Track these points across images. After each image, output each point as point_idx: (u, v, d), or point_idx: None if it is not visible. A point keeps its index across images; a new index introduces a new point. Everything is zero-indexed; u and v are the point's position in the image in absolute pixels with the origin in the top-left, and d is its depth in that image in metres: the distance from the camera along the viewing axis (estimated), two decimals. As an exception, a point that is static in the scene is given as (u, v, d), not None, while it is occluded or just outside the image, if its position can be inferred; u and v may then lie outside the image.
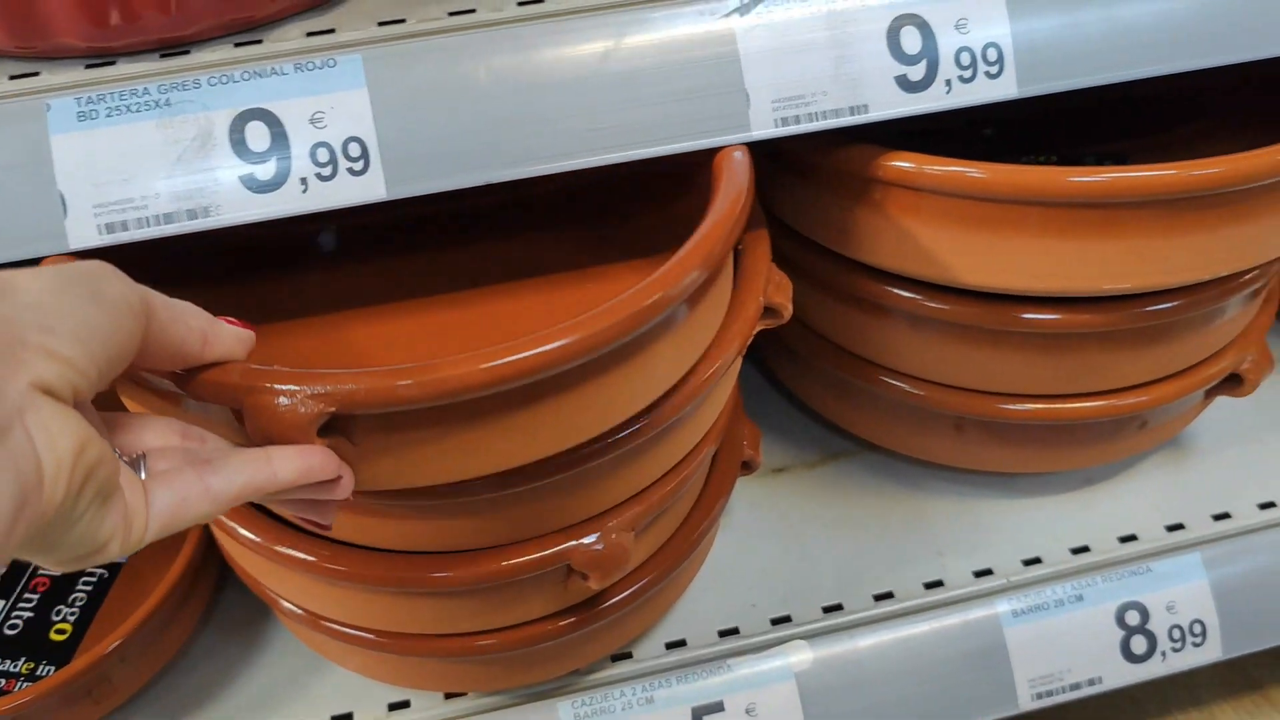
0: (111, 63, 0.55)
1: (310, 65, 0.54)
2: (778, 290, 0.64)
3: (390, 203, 0.56)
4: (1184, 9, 0.61)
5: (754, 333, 0.63)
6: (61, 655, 0.72)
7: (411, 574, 0.60)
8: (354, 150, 0.54)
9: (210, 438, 0.46)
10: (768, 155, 0.72)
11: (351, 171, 0.55)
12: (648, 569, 0.67)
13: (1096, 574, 0.77)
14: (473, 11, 0.58)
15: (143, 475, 0.42)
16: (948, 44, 0.59)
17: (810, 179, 0.71)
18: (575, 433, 0.54)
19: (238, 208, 0.54)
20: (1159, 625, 0.76)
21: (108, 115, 0.53)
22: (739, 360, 0.65)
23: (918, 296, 0.72)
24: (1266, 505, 0.82)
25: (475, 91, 0.55)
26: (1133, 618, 0.76)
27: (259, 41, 0.56)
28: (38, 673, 0.71)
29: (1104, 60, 0.61)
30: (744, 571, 0.79)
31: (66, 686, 0.66)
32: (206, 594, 0.77)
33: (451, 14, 0.57)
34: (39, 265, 0.51)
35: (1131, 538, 0.80)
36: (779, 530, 0.82)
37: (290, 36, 0.56)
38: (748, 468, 0.75)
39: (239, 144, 0.54)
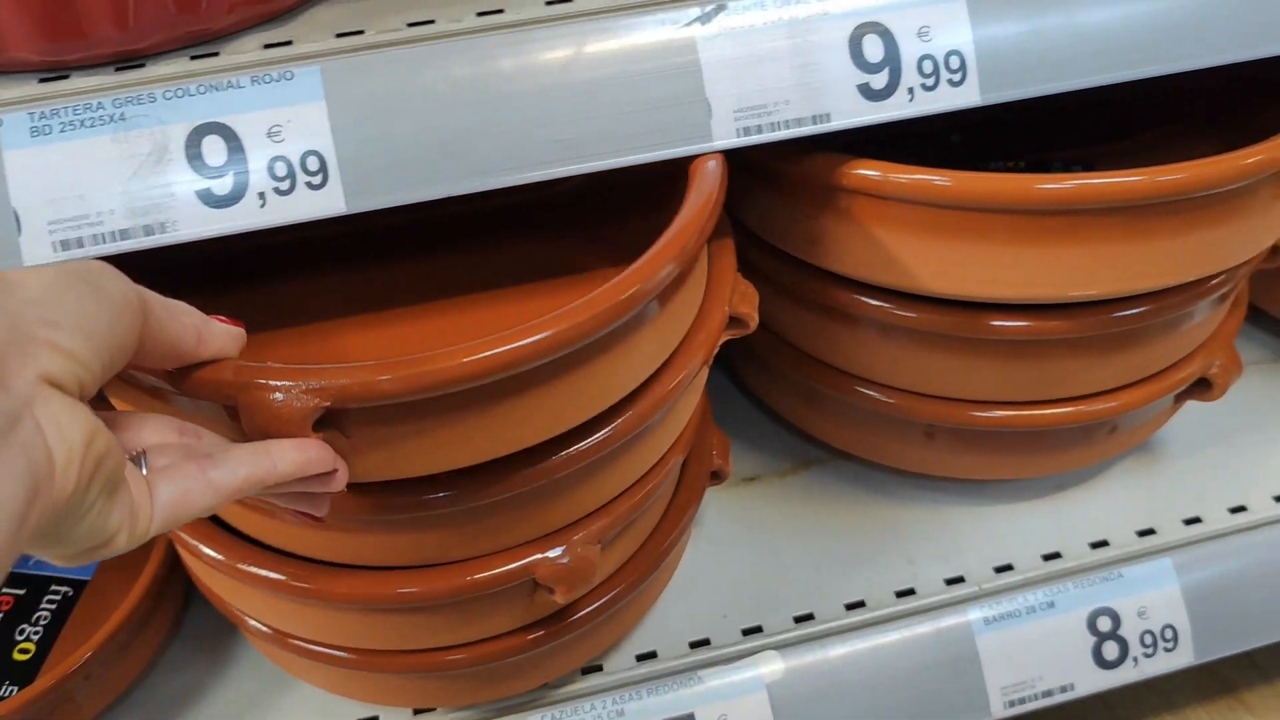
0: (65, 76, 0.54)
1: (267, 78, 0.54)
2: (743, 300, 0.64)
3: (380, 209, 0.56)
4: (1146, 16, 0.61)
5: (719, 343, 0.63)
6: (25, 675, 0.71)
7: (376, 590, 0.59)
8: (312, 164, 0.54)
9: (206, 434, 0.47)
10: (736, 164, 0.72)
11: (310, 185, 0.54)
12: (616, 581, 0.67)
13: (1068, 580, 0.77)
14: (432, 22, 0.57)
15: (144, 471, 0.43)
16: (910, 52, 0.59)
17: (777, 188, 0.71)
18: (559, 422, 0.55)
19: (195, 223, 0.53)
20: (1130, 631, 0.76)
21: (62, 130, 0.52)
22: (705, 370, 0.65)
23: (886, 305, 0.72)
24: (1237, 509, 0.82)
25: (435, 103, 0.55)
26: (1104, 624, 0.76)
27: (215, 54, 0.56)
28: (1, 693, 0.70)
29: (1067, 67, 0.61)
30: (715, 582, 0.78)
31: (30, 706, 0.66)
32: (172, 610, 0.76)
33: (411, 25, 0.57)
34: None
35: (1103, 543, 0.80)
36: (750, 539, 0.82)
37: (247, 49, 0.56)
38: (717, 477, 0.75)
39: (195, 159, 0.53)
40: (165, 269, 0.65)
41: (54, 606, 0.75)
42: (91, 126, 0.53)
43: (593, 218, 0.75)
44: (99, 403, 0.45)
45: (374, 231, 0.76)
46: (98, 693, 0.70)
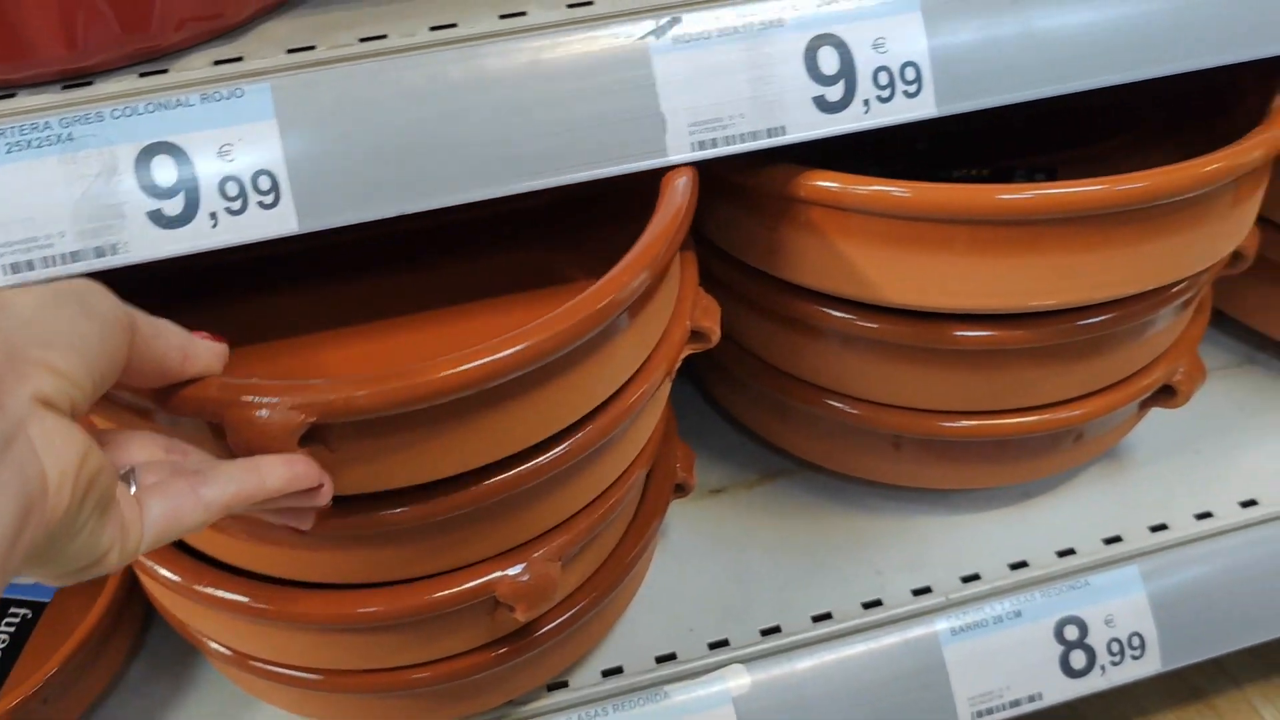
0: (11, 95, 0.54)
1: (217, 95, 0.53)
2: (705, 314, 0.64)
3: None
4: (1102, 26, 0.61)
5: (681, 357, 0.63)
6: (-17, 698, 0.70)
7: (336, 610, 0.59)
8: (264, 183, 0.53)
9: (193, 450, 0.48)
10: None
11: (262, 205, 0.54)
12: (580, 596, 0.67)
13: (1035, 589, 0.76)
14: (384, 37, 0.57)
15: (134, 489, 0.43)
16: (865, 64, 0.59)
17: (737, 200, 0.71)
18: (542, 429, 0.56)
19: (147, 245, 0.53)
20: (1098, 639, 0.76)
21: (8, 151, 0.52)
22: (667, 384, 0.65)
23: (850, 316, 0.71)
24: (1203, 515, 0.82)
25: (388, 120, 0.55)
26: (1071, 632, 0.76)
27: (164, 70, 0.55)
28: (-42, 717, 0.69)
29: (1022, 78, 0.61)
30: (681, 595, 0.78)
31: (-13, 731, 0.65)
32: (132, 630, 0.75)
33: (363, 40, 0.57)
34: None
35: (1070, 551, 0.80)
36: (717, 552, 0.81)
37: (196, 65, 0.55)
38: (682, 490, 0.74)
39: (145, 179, 0.52)
40: (145, 284, 0.65)
41: (12, 629, 0.75)
42: (39, 147, 0.52)
43: (572, 227, 0.75)
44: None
45: (351, 244, 0.75)
46: (57, 715, 0.69)
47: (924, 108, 0.60)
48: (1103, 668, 0.76)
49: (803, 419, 0.81)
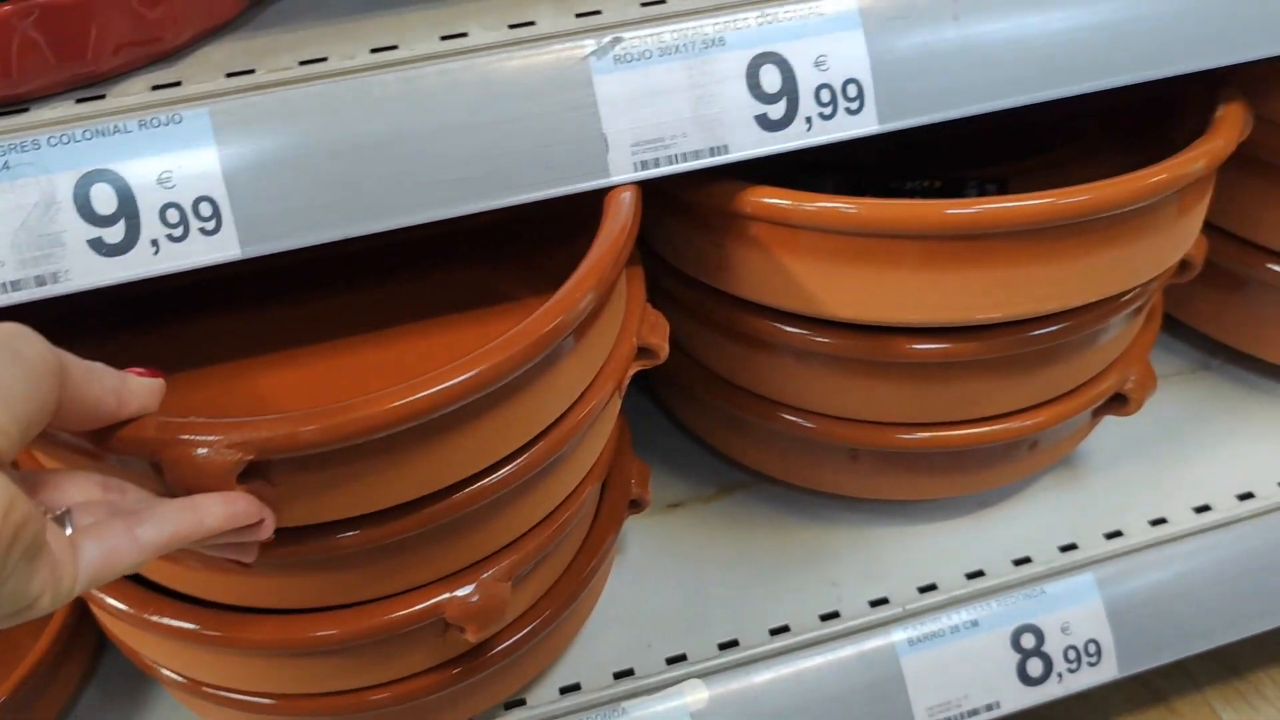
0: (-54, 123, 0.53)
1: (155, 121, 0.53)
2: (653, 331, 0.64)
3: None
4: (1042, 41, 0.62)
5: (628, 373, 0.63)
6: (-67, 728, 0.70)
7: (286, 635, 0.58)
8: (205, 210, 0.53)
9: (131, 489, 0.47)
10: (647, 192, 0.72)
11: (204, 231, 0.53)
12: (533, 615, 0.66)
13: (991, 598, 0.77)
14: (325, 60, 0.57)
15: (69, 530, 0.43)
16: (807, 81, 0.59)
17: (687, 216, 0.71)
18: (487, 455, 0.56)
19: (88, 273, 0.53)
20: (1054, 647, 0.76)
21: (-56, 179, 0.51)
22: (617, 400, 0.65)
23: (802, 331, 0.72)
24: (1157, 521, 0.82)
25: (329, 144, 0.54)
26: (1028, 641, 0.76)
27: (102, 96, 0.55)
28: (-92, 748, 0.69)
29: (964, 93, 0.61)
30: (639, 611, 0.78)
31: (-65, 762, 0.64)
32: (84, 658, 0.75)
33: (303, 63, 0.57)
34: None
35: (1026, 560, 0.80)
36: (675, 567, 0.81)
37: (134, 91, 0.55)
38: (637, 506, 0.74)
39: (85, 207, 0.52)
40: (89, 310, 0.65)
41: (-38, 658, 0.74)
42: (-25, 176, 0.52)
43: (518, 246, 0.75)
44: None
45: (297, 265, 0.75)
46: (8, 744, 0.69)
47: (867, 124, 0.60)
48: (1059, 675, 0.76)
49: (759, 433, 0.81)
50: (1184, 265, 0.78)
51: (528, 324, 0.52)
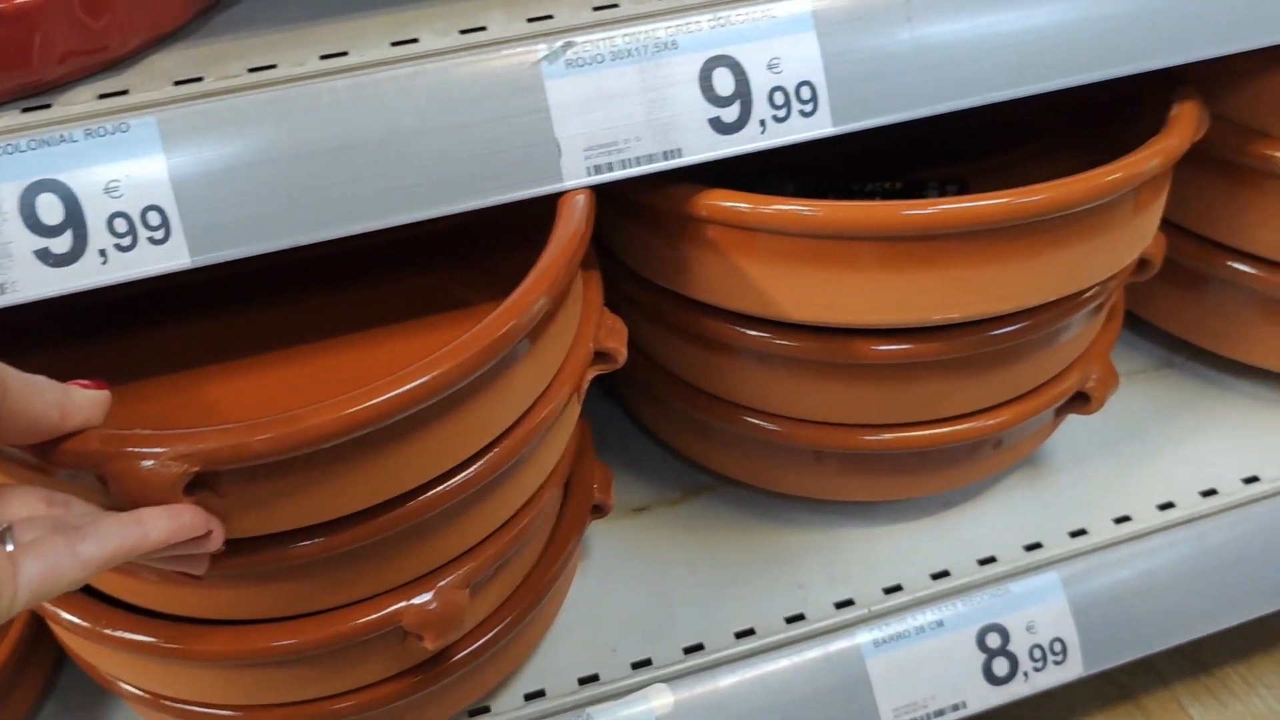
0: (-111, 134, 0.53)
1: (101, 130, 0.53)
2: (610, 335, 0.64)
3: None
4: (996, 42, 0.62)
5: (586, 378, 0.63)
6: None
7: (242, 646, 0.58)
8: (154, 219, 0.53)
9: (76, 503, 0.47)
10: (605, 196, 0.72)
11: (152, 241, 0.53)
12: (495, 621, 0.66)
13: (956, 598, 0.77)
14: (274, 67, 0.56)
15: (10, 547, 0.42)
16: (761, 84, 0.59)
17: (644, 220, 0.71)
18: (440, 463, 0.55)
19: (36, 284, 0.52)
20: (1020, 646, 0.76)
21: (-113, 191, 0.51)
22: (575, 405, 0.65)
23: (763, 334, 0.72)
24: (1121, 519, 0.82)
25: (278, 152, 0.54)
26: (993, 640, 0.76)
27: (48, 105, 0.54)
28: None
29: (918, 94, 0.61)
30: (605, 615, 0.78)
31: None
32: (42, 673, 0.74)
33: (252, 70, 0.56)
34: None
35: (991, 559, 0.80)
36: (639, 571, 0.81)
37: (80, 100, 0.54)
38: (599, 511, 0.74)
39: (30, 218, 0.52)
40: (40, 320, 0.64)
41: (-82, 673, 0.73)
42: (-80, 187, 0.51)
43: (474, 251, 0.74)
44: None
45: (251, 274, 0.74)
46: (-34, 761, 0.68)
47: (821, 127, 0.60)
48: (1025, 674, 0.77)
49: (723, 436, 0.81)
50: (1143, 264, 0.78)
51: (480, 329, 0.52)
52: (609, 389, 0.95)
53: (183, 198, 0.53)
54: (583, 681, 0.73)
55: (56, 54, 0.54)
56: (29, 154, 0.52)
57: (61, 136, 0.52)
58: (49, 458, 0.46)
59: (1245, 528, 0.82)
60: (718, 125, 0.59)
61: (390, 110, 0.55)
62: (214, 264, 0.55)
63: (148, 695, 0.64)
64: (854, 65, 0.60)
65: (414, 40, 0.58)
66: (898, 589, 0.78)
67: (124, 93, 0.55)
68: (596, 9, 0.59)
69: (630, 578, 0.81)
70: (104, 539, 0.44)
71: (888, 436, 0.76)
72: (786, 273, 0.67)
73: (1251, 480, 0.85)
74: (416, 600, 0.59)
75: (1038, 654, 0.77)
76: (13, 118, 0.53)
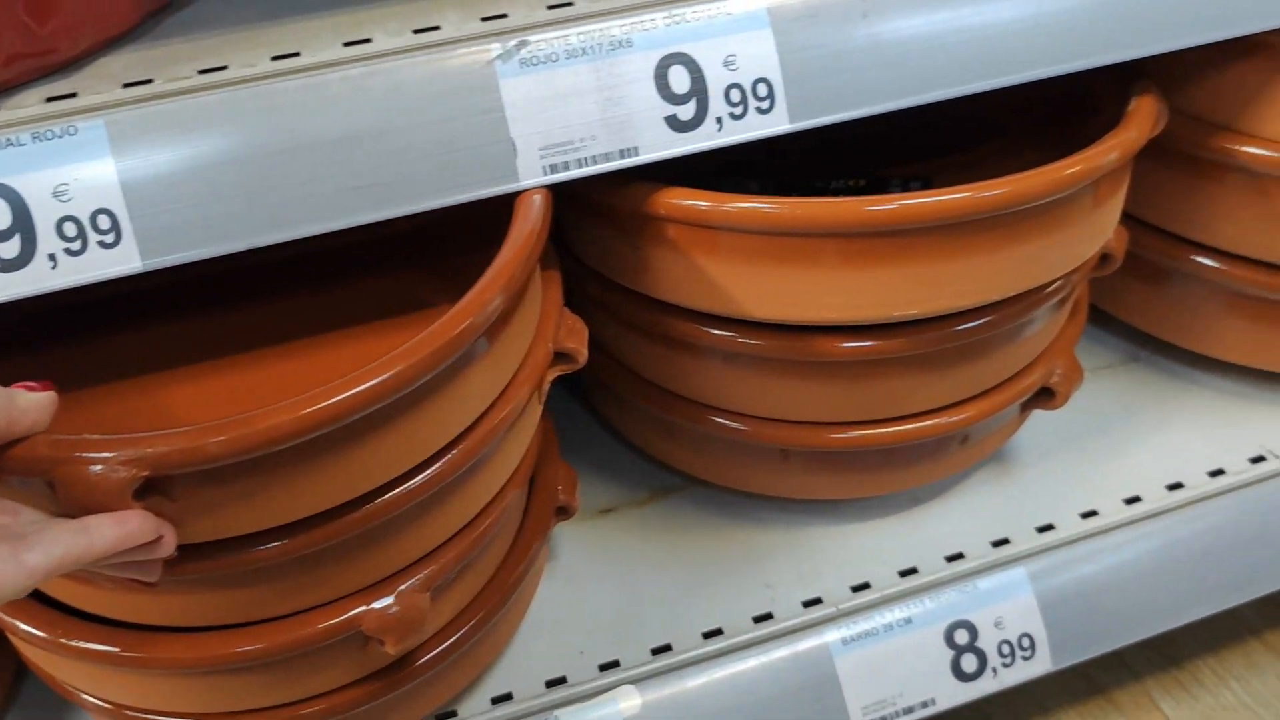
0: None
1: (49, 134, 0.52)
2: (570, 335, 0.63)
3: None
4: (952, 37, 0.62)
5: (546, 379, 0.62)
6: None
7: (201, 653, 0.58)
8: (104, 223, 0.52)
9: (25, 510, 0.46)
10: (565, 196, 0.72)
11: (103, 245, 0.52)
12: (459, 624, 0.66)
13: (924, 595, 0.77)
14: (225, 68, 0.56)
15: None
16: (717, 82, 0.59)
17: (604, 220, 0.70)
18: (396, 465, 0.55)
19: (-16, 289, 0.52)
20: (988, 642, 0.76)
21: None
22: (536, 407, 0.64)
23: (727, 333, 0.71)
24: (1088, 514, 0.83)
25: (229, 154, 0.54)
26: (961, 636, 0.76)
27: (-6, 110, 0.54)
28: None
29: (875, 90, 0.61)
30: (572, 618, 0.77)
31: None
32: (2, 686, 0.73)
33: (202, 72, 0.56)
34: None
35: (958, 556, 0.80)
36: (607, 572, 0.81)
37: (28, 104, 0.54)
38: (564, 513, 0.74)
39: (-22, 222, 0.51)
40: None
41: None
42: None
43: (436, 252, 0.74)
44: None
45: (209, 277, 0.74)
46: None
47: (778, 123, 0.60)
48: (994, 670, 0.77)
49: (689, 436, 0.81)
50: (1105, 258, 0.78)
51: (436, 328, 0.51)
52: (575, 390, 0.95)
53: (133, 201, 0.52)
54: (550, 684, 0.73)
55: (2, 57, 0.53)
56: (-25, 158, 0.51)
57: (8, 140, 0.52)
58: None
59: (1211, 521, 0.82)
60: (674, 123, 0.59)
61: (343, 111, 0.55)
62: (176, 268, 0.54)
63: (109, 705, 0.64)
64: (810, 62, 0.60)
65: (367, 40, 0.58)
66: (866, 587, 0.78)
67: (72, 95, 0.54)
68: (551, 8, 0.59)
69: (598, 579, 0.80)
70: (49, 548, 0.43)
71: (854, 434, 0.76)
72: (748, 271, 0.66)
73: (1217, 473, 0.85)
74: (377, 604, 0.58)
75: (1006, 650, 0.77)
76: (-41, 122, 0.53)
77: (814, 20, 0.60)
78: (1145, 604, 0.80)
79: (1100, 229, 0.72)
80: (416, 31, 0.58)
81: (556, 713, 0.71)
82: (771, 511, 0.85)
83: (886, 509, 0.85)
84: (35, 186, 0.51)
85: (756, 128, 0.60)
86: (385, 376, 0.49)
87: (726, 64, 0.59)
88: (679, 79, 0.58)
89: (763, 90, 0.59)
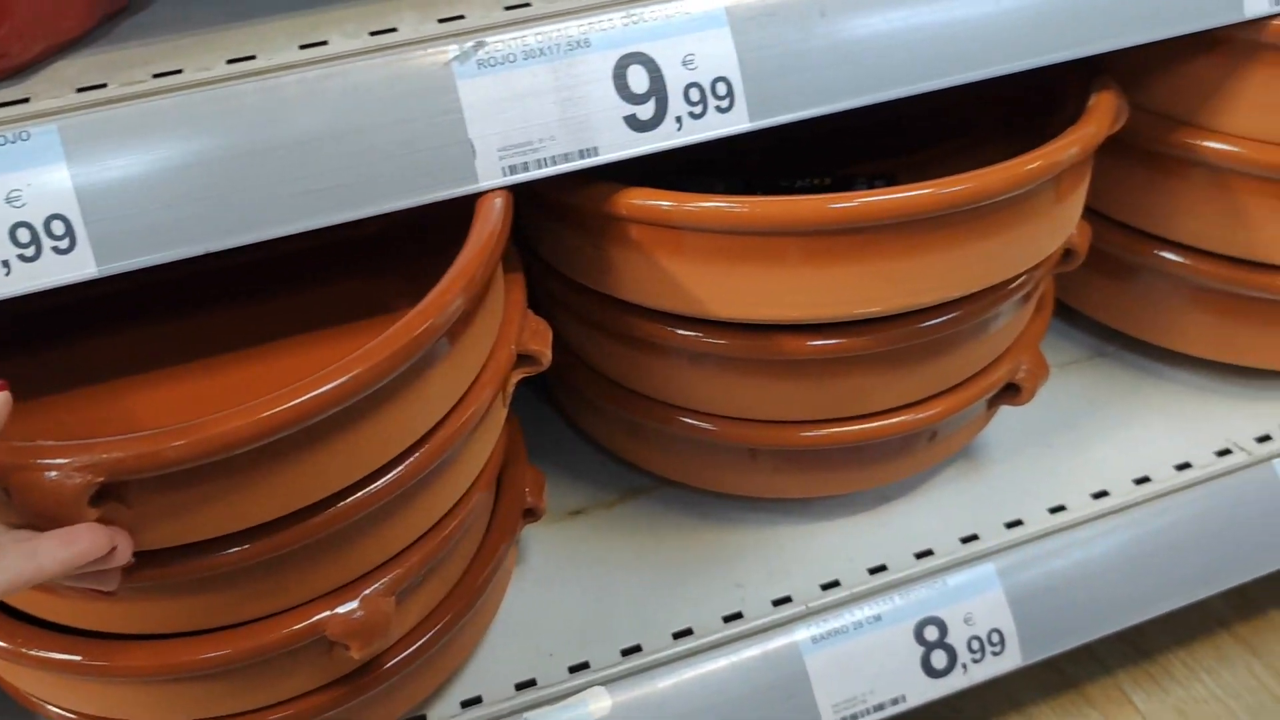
0: None
1: (1, 140, 0.51)
2: (534, 337, 0.63)
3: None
4: (910, 35, 0.62)
5: (510, 381, 0.62)
6: None
7: (163, 661, 0.57)
8: (58, 228, 0.52)
9: None
10: (529, 198, 0.71)
11: (57, 250, 0.52)
12: (426, 627, 0.66)
13: (894, 592, 0.77)
14: (179, 72, 0.56)
15: None
16: (676, 81, 0.59)
17: (567, 220, 0.70)
18: (359, 467, 0.55)
19: (-63, 296, 0.51)
20: (957, 638, 0.76)
21: None
22: (501, 409, 0.64)
23: (692, 333, 0.71)
24: (1056, 509, 0.83)
25: (185, 158, 0.53)
26: (931, 633, 0.76)
27: (-54, 117, 0.53)
28: None
29: (835, 88, 0.61)
30: (541, 620, 0.77)
31: None
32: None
33: (156, 75, 0.55)
34: None
35: (927, 553, 0.80)
36: (577, 574, 0.81)
37: (-20, 110, 0.54)
38: (532, 515, 0.74)
39: (-71, 228, 0.51)
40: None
41: None
42: None
43: (401, 256, 0.74)
44: None
45: (171, 282, 0.73)
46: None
47: (738, 122, 0.60)
48: (964, 666, 0.77)
49: (657, 437, 0.81)
50: (1069, 253, 0.79)
51: (396, 329, 0.51)
52: (543, 392, 0.95)
53: (87, 206, 0.52)
54: (520, 686, 0.73)
55: (-46, 63, 0.53)
56: (-74, 165, 0.51)
57: (-40, 146, 0.51)
58: None
59: (1179, 514, 0.83)
60: (633, 123, 0.59)
61: (300, 114, 0.55)
62: (139, 272, 0.54)
63: (73, 715, 0.63)
64: (769, 60, 0.60)
65: (323, 43, 0.57)
66: (835, 585, 0.78)
67: (25, 101, 0.54)
68: (508, 8, 0.59)
69: (567, 581, 0.80)
70: None
71: (822, 432, 0.76)
72: (712, 271, 0.66)
73: (1184, 467, 0.86)
74: (341, 609, 0.58)
75: (976, 645, 0.77)
76: (-90, 128, 0.52)
77: (772, 19, 0.60)
78: (1114, 598, 0.80)
79: (1063, 224, 0.73)
80: (373, 33, 0.58)
81: (526, 715, 0.71)
82: (740, 511, 0.85)
83: (855, 507, 0.85)
84: (-13, 193, 0.51)
85: (716, 127, 0.60)
86: (345, 379, 0.49)
87: (685, 63, 0.59)
88: (638, 79, 0.58)
89: (722, 89, 0.59)
